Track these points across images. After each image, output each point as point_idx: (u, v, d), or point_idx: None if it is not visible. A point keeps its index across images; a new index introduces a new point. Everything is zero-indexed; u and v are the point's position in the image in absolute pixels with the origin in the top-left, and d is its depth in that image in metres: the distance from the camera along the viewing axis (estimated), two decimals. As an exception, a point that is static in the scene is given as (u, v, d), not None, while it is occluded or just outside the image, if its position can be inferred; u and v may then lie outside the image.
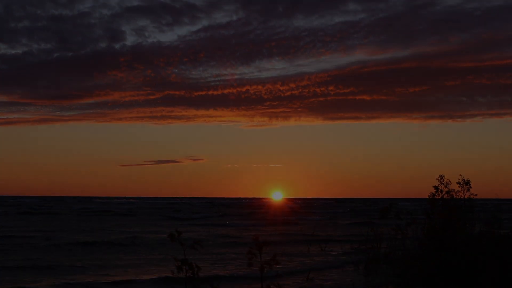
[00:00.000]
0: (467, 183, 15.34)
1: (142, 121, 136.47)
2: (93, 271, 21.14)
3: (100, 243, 31.05)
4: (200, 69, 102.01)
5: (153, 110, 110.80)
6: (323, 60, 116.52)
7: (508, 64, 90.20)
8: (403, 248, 15.53)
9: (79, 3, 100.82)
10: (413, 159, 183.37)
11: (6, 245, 29.66)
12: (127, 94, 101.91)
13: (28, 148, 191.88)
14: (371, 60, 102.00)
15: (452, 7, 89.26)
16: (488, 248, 13.91)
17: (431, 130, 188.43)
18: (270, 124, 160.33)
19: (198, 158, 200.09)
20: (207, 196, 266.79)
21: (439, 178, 15.24)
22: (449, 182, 15.26)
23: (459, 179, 15.35)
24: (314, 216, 75.19)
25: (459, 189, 15.34)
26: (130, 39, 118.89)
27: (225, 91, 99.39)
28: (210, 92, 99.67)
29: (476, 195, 15.28)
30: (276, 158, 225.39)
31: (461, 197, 15.28)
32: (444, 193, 15.14)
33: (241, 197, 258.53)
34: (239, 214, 77.50)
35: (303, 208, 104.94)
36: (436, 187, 15.18)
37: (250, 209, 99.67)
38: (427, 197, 15.29)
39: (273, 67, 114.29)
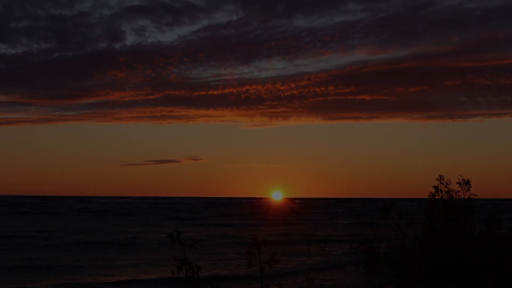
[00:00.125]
0: (466, 183, 15.33)
1: (142, 121, 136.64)
2: (93, 271, 21.15)
3: (100, 243, 31.05)
4: (200, 69, 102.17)
5: (153, 110, 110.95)
6: (323, 60, 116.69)
7: (508, 64, 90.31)
8: (403, 248, 15.52)
9: (79, 3, 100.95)
10: (413, 159, 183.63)
11: (6, 245, 29.66)
12: (127, 94, 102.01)
13: (28, 148, 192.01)
14: (371, 60, 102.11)
15: (452, 7, 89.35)
16: (488, 248, 13.91)
17: (431, 130, 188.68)
18: (270, 124, 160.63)
19: (198, 158, 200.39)
20: (207, 196, 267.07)
21: (438, 178, 15.24)
22: (449, 182, 15.26)
23: (458, 179, 15.35)
24: (314, 216, 75.18)
25: (459, 189, 15.34)
26: (130, 39, 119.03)
27: (225, 91, 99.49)
28: (210, 92, 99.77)
29: (475, 195, 15.28)
30: (276, 158, 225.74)
31: (461, 197, 15.28)
32: (444, 193, 15.14)
33: (241, 197, 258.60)
34: (239, 214, 77.50)
35: (303, 208, 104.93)
36: (436, 187, 15.18)
37: (250, 209, 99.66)
38: (427, 197, 15.29)
39: (273, 67, 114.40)
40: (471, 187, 15.31)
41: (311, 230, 42.40)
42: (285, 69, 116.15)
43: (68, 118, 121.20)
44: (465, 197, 15.31)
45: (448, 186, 15.24)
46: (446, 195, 15.17)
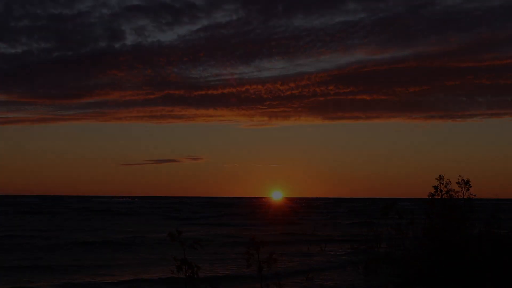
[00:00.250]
0: (466, 183, 15.32)
1: (141, 120, 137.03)
2: (93, 271, 21.14)
3: (100, 243, 31.04)
4: (200, 69, 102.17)
5: (152, 110, 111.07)
6: (323, 60, 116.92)
7: (508, 64, 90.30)
8: (403, 248, 15.52)
9: (79, 3, 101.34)
10: (413, 159, 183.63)
11: (6, 245, 29.64)
12: (127, 93, 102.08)
13: (27, 148, 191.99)
14: (371, 59, 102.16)
15: (452, 7, 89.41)
16: (488, 248, 13.91)
17: (431, 130, 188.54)
18: (270, 123, 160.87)
19: (198, 157, 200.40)
20: (207, 196, 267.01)
21: (438, 178, 15.23)
22: (449, 182, 15.25)
23: (458, 179, 15.34)
24: (314, 216, 75.15)
25: (459, 189, 15.33)
26: (130, 39, 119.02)
27: (225, 91, 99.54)
28: (210, 92, 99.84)
29: (475, 195, 15.28)
30: (276, 157, 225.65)
31: (461, 197, 15.28)
32: (443, 193, 15.13)
33: (241, 196, 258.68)
34: (238, 214, 77.48)
35: (302, 208, 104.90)
36: (435, 187, 15.17)
37: (250, 208, 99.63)
38: (427, 197, 15.29)
39: (273, 67, 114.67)
40: (470, 187, 15.31)
41: (311, 230, 42.39)
42: (285, 69, 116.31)
43: (68, 117, 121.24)
44: (465, 197, 15.31)
45: (448, 186, 15.24)
46: (446, 195, 15.17)
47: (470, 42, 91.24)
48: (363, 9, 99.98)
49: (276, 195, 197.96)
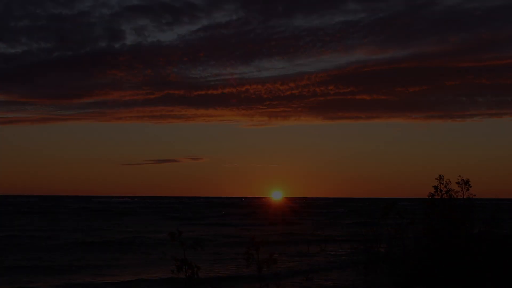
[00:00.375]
0: (466, 183, 15.32)
1: (141, 120, 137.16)
2: (93, 271, 21.14)
3: (100, 243, 31.06)
4: (200, 69, 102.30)
5: (152, 110, 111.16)
6: (323, 60, 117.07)
7: (508, 64, 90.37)
8: (403, 248, 15.52)
9: (79, 2, 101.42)
10: (413, 159, 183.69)
11: (6, 244, 29.65)
12: (126, 93, 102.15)
13: (27, 148, 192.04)
14: (371, 59, 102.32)
15: (452, 7, 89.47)
16: (488, 248, 13.92)
17: (431, 130, 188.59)
18: (269, 123, 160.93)
19: (198, 157, 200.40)
20: (207, 196, 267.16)
21: (438, 178, 15.23)
22: (449, 182, 15.25)
23: (458, 179, 15.33)
24: (314, 216, 75.15)
25: (459, 189, 15.33)
26: (130, 39, 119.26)
27: (225, 91, 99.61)
28: (209, 92, 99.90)
29: (475, 195, 15.27)
30: (276, 157, 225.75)
31: (461, 197, 15.27)
32: (443, 193, 15.13)
33: (241, 196, 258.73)
34: (238, 214, 77.48)
35: (302, 208, 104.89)
36: (435, 187, 15.17)
37: (250, 208, 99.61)
38: (427, 197, 15.28)
39: (273, 67, 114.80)
40: (470, 187, 15.30)
41: (311, 230, 42.41)
42: (285, 69, 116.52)
43: (68, 117, 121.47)
44: (465, 197, 15.31)
45: (447, 186, 15.24)
46: (445, 195, 15.17)
47: (470, 42, 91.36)
48: (363, 9, 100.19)
49: (276, 195, 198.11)
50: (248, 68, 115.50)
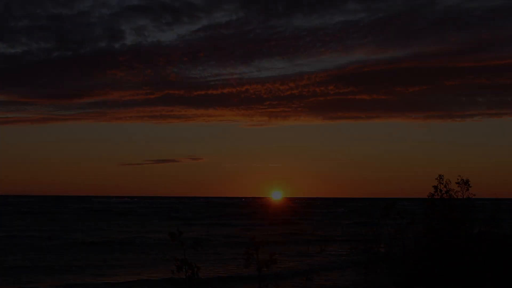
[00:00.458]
0: (466, 183, 15.32)
1: (141, 120, 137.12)
2: (93, 271, 21.14)
3: (100, 243, 31.06)
4: (199, 69, 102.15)
5: (152, 110, 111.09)
6: (323, 60, 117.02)
7: (508, 64, 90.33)
8: (403, 248, 15.52)
9: (78, 2, 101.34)
10: (413, 159, 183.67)
11: (6, 245, 29.66)
12: (126, 93, 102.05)
13: (27, 148, 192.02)
14: (370, 59, 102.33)
15: (451, 7, 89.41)
16: (488, 248, 13.92)
17: (431, 130, 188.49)
18: (269, 123, 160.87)
19: (198, 157, 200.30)
20: (207, 196, 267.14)
21: (438, 178, 15.23)
22: (449, 182, 15.26)
23: (458, 179, 15.34)
24: (314, 216, 75.15)
25: (458, 189, 15.33)
26: (130, 39, 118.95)
27: (225, 91, 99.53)
28: (209, 92, 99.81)
29: (474, 194, 15.27)
30: (276, 157, 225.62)
31: (460, 197, 15.28)
32: (443, 193, 15.14)
33: (241, 196, 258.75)
34: (238, 214, 77.49)
35: (302, 208, 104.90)
36: (435, 187, 15.18)
37: (250, 208, 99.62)
38: (427, 197, 15.28)
39: (273, 67, 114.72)
40: (470, 187, 15.30)
41: (311, 230, 42.41)
42: (285, 69, 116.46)
43: (68, 117, 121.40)
44: (464, 197, 15.31)
45: (447, 186, 15.24)
46: (445, 195, 15.17)
47: (470, 42, 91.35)
48: (362, 8, 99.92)
49: (276, 195, 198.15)
50: (248, 68, 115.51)
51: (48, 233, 38.33)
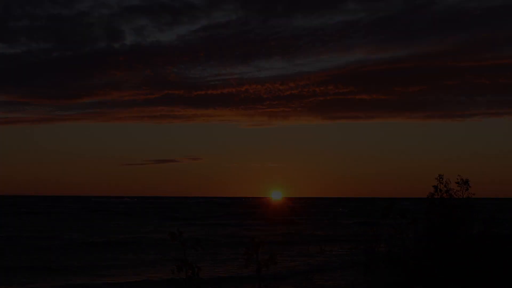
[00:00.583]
0: (465, 182, 15.32)
1: (141, 120, 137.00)
2: (93, 272, 21.14)
3: (100, 243, 31.05)
4: (199, 69, 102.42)
5: (152, 110, 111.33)
6: (323, 60, 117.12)
7: (508, 64, 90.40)
8: (403, 248, 15.52)
9: (78, 3, 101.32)
10: (413, 159, 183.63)
11: (6, 245, 29.65)
12: (126, 93, 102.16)
13: (27, 148, 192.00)
14: (370, 59, 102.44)
15: (451, 7, 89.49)
16: (488, 248, 13.92)
17: (431, 130, 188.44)
18: (269, 123, 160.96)
19: (198, 157, 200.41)
20: (206, 196, 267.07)
21: (438, 178, 15.23)
22: (449, 182, 15.26)
23: (457, 179, 15.34)
24: (314, 215, 75.14)
25: (458, 188, 15.33)
26: (130, 39, 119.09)
27: (225, 91, 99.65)
28: (209, 92, 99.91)
29: (474, 194, 15.27)
30: (276, 157, 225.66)
31: (460, 197, 15.27)
32: (443, 192, 15.14)
33: (240, 196, 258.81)
34: (238, 214, 77.46)
35: (302, 208, 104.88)
36: (435, 187, 15.18)
37: (250, 208, 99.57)
38: (427, 197, 15.29)
39: (273, 67, 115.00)
40: (470, 186, 15.30)
41: (311, 230, 42.41)
42: (285, 69, 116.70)
43: (67, 117, 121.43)
44: (464, 196, 15.31)
45: (447, 186, 15.24)
46: (445, 194, 15.17)
47: (470, 42, 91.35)
48: (362, 8, 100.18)
49: (276, 195, 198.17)
50: (247, 68, 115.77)
51: (48, 233, 38.32)
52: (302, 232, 41.99)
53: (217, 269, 21.66)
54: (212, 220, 62.43)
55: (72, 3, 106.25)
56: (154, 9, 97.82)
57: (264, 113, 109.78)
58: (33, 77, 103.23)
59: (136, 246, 30.25)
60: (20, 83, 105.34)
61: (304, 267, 22.36)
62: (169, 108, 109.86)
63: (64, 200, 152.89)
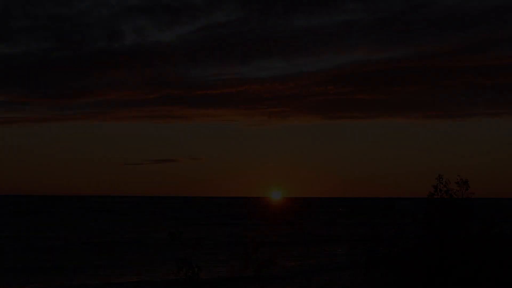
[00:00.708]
0: (465, 182, 15.33)
1: (141, 120, 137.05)
2: (93, 272, 21.13)
3: (101, 243, 31.05)
4: (199, 69, 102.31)
5: (152, 110, 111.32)
6: (323, 60, 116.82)
7: (508, 64, 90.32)
8: (403, 248, 15.53)
9: (78, 2, 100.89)
10: (412, 158, 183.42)
11: (5, 245, 29.65)
12: (126, 93, 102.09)
13: (27, 148, 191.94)
14: (370, 59, 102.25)
15: (451, 7, 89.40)
16: (487, 248, 13.93)
17: (430, 129, 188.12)
18: (269, 123, 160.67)
19: (197, 157, 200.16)
20: (207, 196, 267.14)
21: (438, 178, 15.24)
22: (448, 182, 15.27)
23: (457, 179, 15.35)
24: (314, 215, 75.14)
25: (458, 188, 15.34)
26: (129, 38, 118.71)
27: (224, 90, 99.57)
28: (209, 91, 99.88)
29: (473, 193, 15.28)
30: (275, 157, 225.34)
31: (460, 197, 15.28)
32: (443, 192, 15.15)
33: (240, 196, 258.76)
34: (238, 214, 77.46)
35: (302, 208, 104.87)
36: (435, 187, 15.19)
37: (250, 208, 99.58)
38: (426, 197, 15.30)
39: (272, 66, 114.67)
40: (469, 186, 15.32)
41: (311, 230, 42.40)
42: (284, 69, 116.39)
43: (67, 117, 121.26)
44: (464, 196, 15.32)
45: (447, 186, 15.25)
46: (445, 194, 15.18)
47: (470, 42, 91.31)
48: (362, 8, 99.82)
49: (276, 195, 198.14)
50: (247, 67, 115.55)
51: (48, 233, 38.32)
52: (302, 231, 41.99)
53: (217, 269, 21.66)
54: (212, 220, 62.42)
55: (72, 3, 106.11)
56: (154, 9, 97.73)
57: (264, 113, 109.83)
58: (33, 77, 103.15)
59: (137, 246, 30.26)
60: (20, 83, 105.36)
61: (304, 267, 22.35)
62: (168, 108, 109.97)
63: (64, 200, 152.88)
